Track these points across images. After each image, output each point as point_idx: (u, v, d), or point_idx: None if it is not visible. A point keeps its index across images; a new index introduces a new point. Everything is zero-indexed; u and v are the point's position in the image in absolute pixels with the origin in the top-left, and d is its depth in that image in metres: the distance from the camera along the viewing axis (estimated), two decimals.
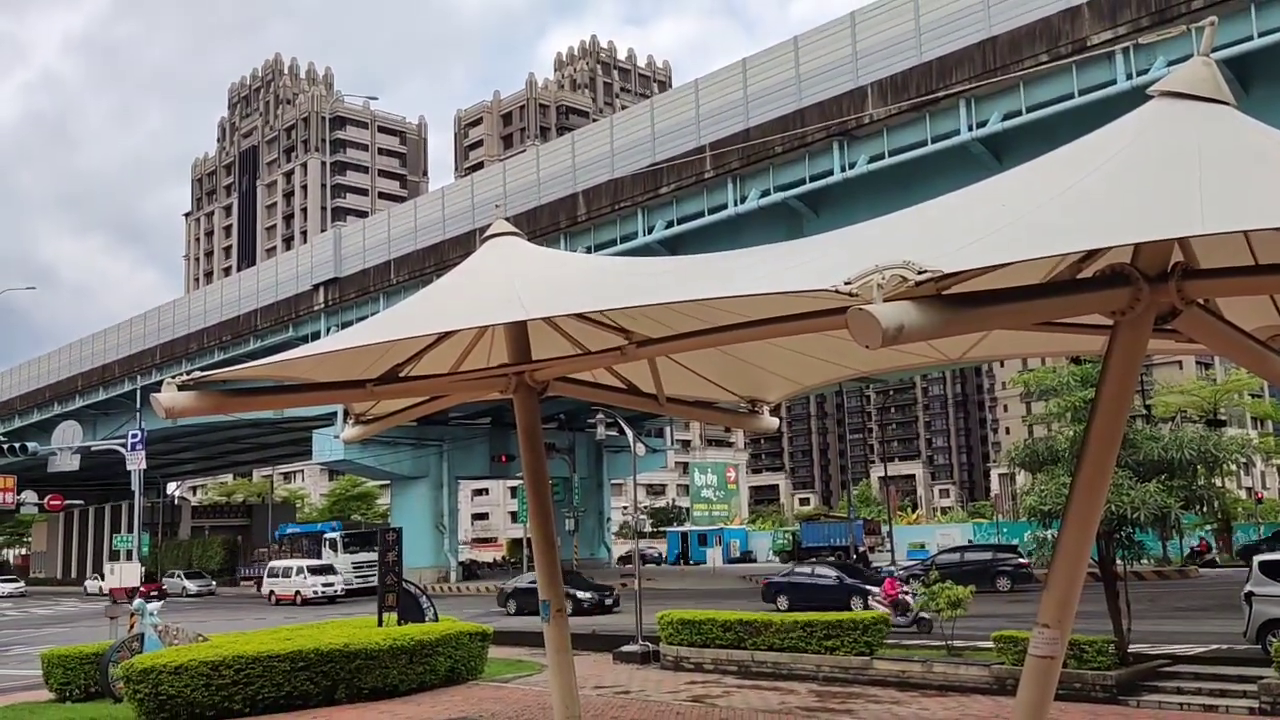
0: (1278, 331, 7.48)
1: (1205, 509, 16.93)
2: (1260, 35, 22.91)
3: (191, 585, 57.52)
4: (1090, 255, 6.23)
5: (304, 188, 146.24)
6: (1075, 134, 6.92)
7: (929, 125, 28.68)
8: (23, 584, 68.75)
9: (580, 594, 30.62)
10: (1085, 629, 12.98)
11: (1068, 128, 19.45)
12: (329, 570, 46.57)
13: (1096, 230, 5.28)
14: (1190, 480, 14.66)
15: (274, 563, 49.79)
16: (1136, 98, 6.82)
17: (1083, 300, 6.04)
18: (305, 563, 47.16)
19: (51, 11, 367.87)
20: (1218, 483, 17.42)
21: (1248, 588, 15.67)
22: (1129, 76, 24.50)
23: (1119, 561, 14.75)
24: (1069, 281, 6.24)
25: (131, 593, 22.64)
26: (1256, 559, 17.03)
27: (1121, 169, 5.76)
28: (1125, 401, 6.80)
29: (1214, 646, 15.87)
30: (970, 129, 27.72)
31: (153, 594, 50.44)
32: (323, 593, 43.91)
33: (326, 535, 52.74)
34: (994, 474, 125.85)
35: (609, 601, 31.48)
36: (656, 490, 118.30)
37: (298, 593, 44.26)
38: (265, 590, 46.69)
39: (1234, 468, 39.15)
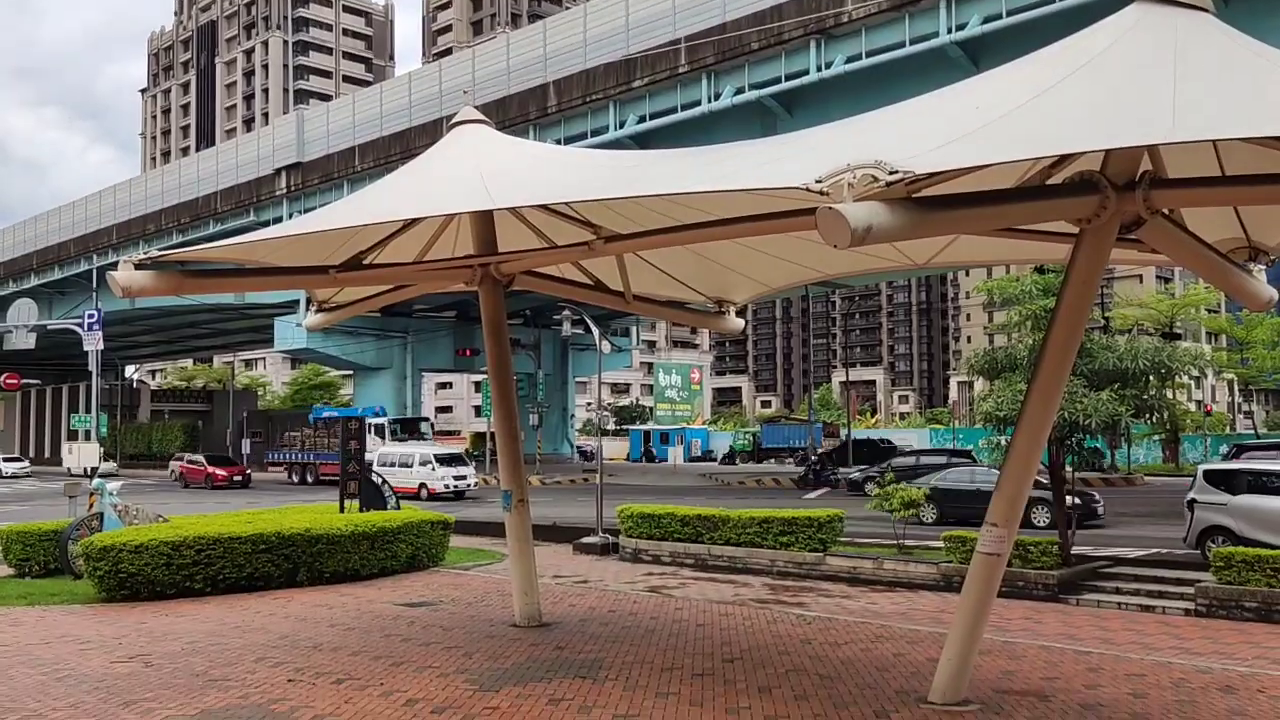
0: (1239, 245, 7.58)
1: (1155, 419, 17.36)
2: None
3: (220, 471, 51.51)
4: (1060, 161, 6.23)
5: (265, 67, 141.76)
6: (1054, 38, 6.85)
7: (908, 26, 28.23)
8: (28, 463, 62.29)
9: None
10: (1030, 531, 13.38)
11: (1047, 32, 19.16)
12: (460, 461, 38.58)
13: (1068, 136, 5.27)
14: (1142, 390, 14.99)
15: (387, 449, 40.44)
16: (1117, 3, 6.74)
17: (1051, 206, 6.08)
18: (432, 450, 38.77)
19: None
20: (1169, 394, 17.79)
21: (1190, 495, 16.17)
22: None
23: (1067, 467, 15.14)
24: (1037, 188, 6.25)
25: (92, 472, 22.63)
26: (1201, 468, 17.54)
27: (1095, 75, 5.72)
28: (1085, 310, 6.90)
29: (1154, 550, 16.45)
30: (949, 31, 27.33)
31: (236, 478, 45.29)
32: (454, 487, 35.91)
33: (372, 421, 45.25)
34: (953, 381, 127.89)
35: (1100, 510, 22.22)
36: (621, 389, 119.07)
37: (423, 486, 35.73)
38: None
39: (1186, 380, 40.36)
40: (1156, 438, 48.67)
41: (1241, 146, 5.91)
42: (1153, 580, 13.56)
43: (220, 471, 45.27)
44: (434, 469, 36.41)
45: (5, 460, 59.20)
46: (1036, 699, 8.23)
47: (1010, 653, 10.08)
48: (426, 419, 50.96)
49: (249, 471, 46.47)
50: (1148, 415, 16.26)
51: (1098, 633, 11.32)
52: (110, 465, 56.78)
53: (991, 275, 62.86)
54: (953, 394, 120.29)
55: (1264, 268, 8.02)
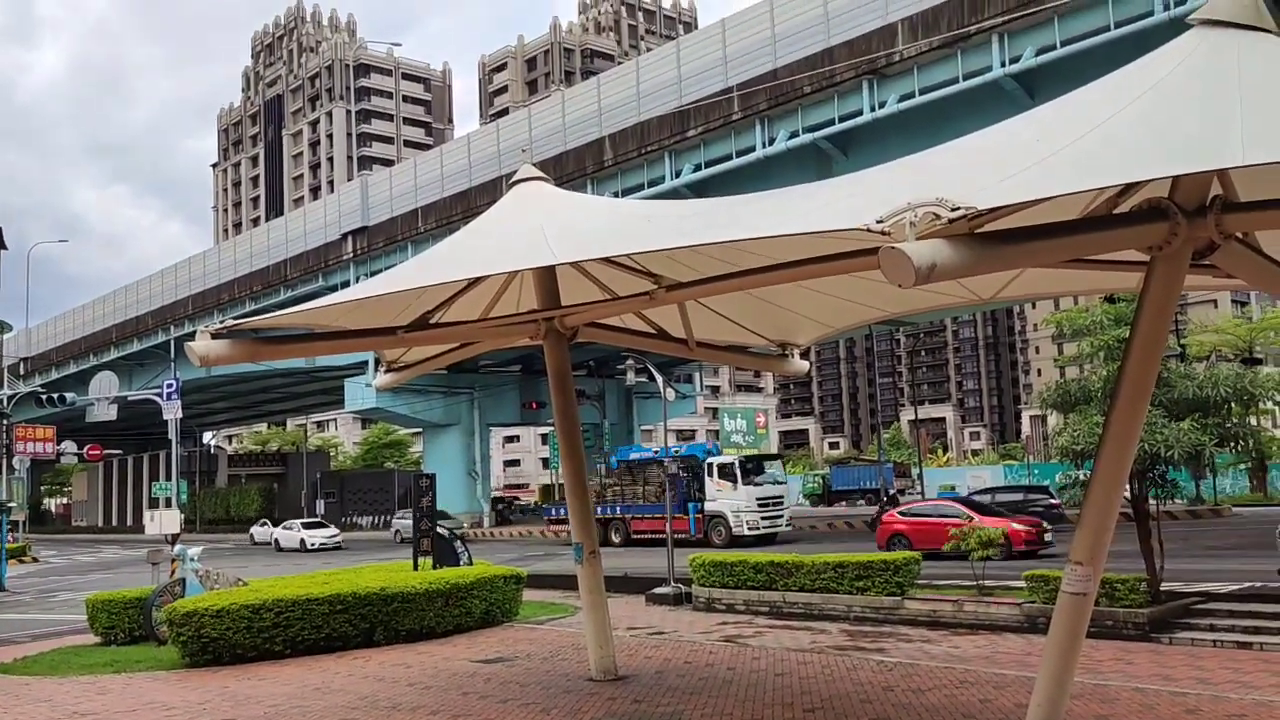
0: None
1: (1240, 447, 16.78)
2: None
3: (1022, 527, 39.29)
4: (1126, 190, 6.13)
5: (329, 137, 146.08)
6: (1111, 68, 6.78)
7: (960, 62, 28.16)
8: (339, 534, 49.00)
9: None
10: (1117, 568, 12.97)
11: (1104, 61, 19.01)
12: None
13: (1133, 164, 5.19)
14: (1224, 418, 14.52)
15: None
16: (1175, 29, 6.66)
17: (1119, 236, 5.97)
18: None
19: None
20: (1253, 421, 17.19)
21: None
22: (1167, 7, 23.88)
23: (1151, 500, 14.68)
24: (1104, 217, 6.15)
25: (173, 538, 23.16)
26: None
27: (1159, 101, 5.63)
28: (1161, 338, 6.73)
29: (1248, 584, 15.81)
30: (1003, 65, 27.21)
31: (1045, 536, 25.04)
32: None
33: (714, 461, 35.22)
34: (1025, 416, 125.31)
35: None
36: (686, 435, 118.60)
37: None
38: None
39: (1270, 406, 38.78)
40: (1243, 467, 47.05)
41: None
42: (1248, 615, 13.02)
43: (1021, 528, 24.64)
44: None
45: (306, 527, 48.42)
46: None
47: (1103, 695, 9.74)
48: (777, 455, 41.73)
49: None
50: (1232, 444, 15.72)
51: (1193, 672, 10.89)
52: (333, 533, 46.58)
53: (1059, 306, 61.72)
54: (1025, 428, 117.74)
55: None
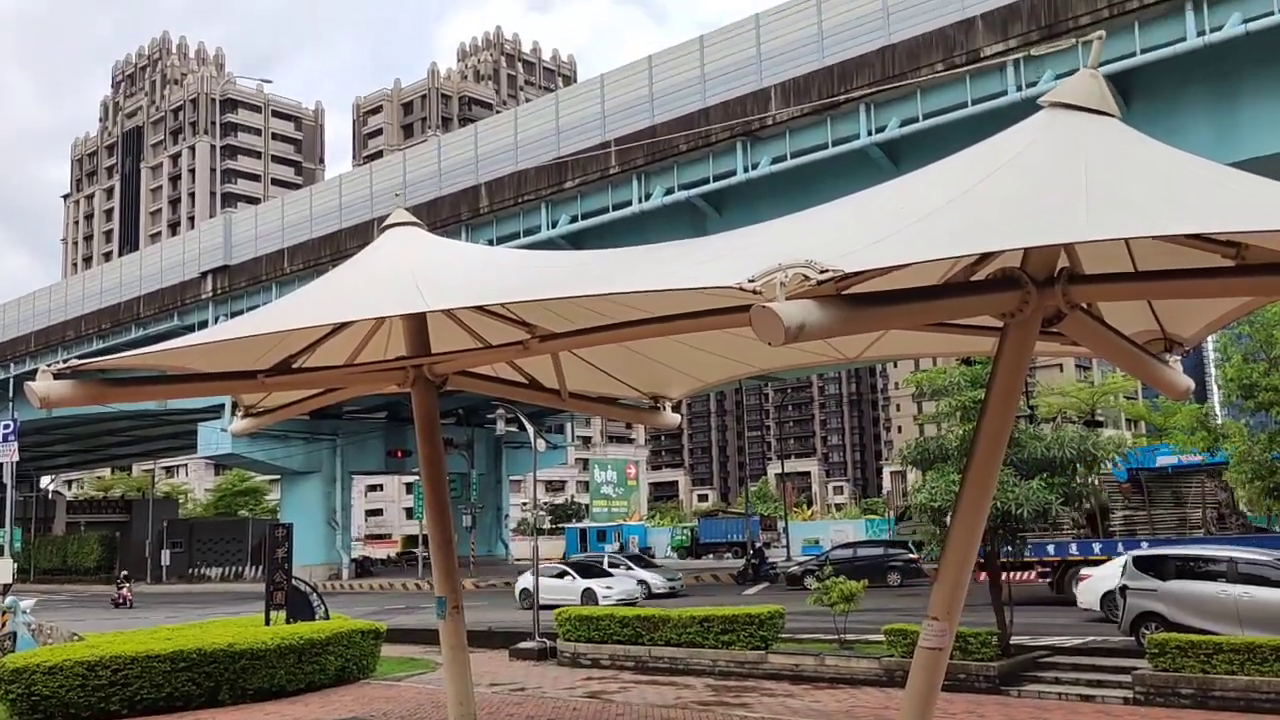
0: (1154, 336, 7.82)
1: (1083, 505, 17.65)
2: (1142, 52, 24.02)
3: (657, 580, 34.05)
4: (984, 258, 6.41)
5: (191, 171, 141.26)
6: (968, 141, 7.12)
7: (830, 128, 29.24)
8: (635, 586, 31.81)
9: None
10: (970, 622, 13.38)
11: (961, 135, 20.04)
12: None
13: (988, 234, 5.43)
14: (1070, 478, 15.27)
15: None
16: (1027, 108, 7.04)
17: (975, 302, 6.22)
18: None
19: None
20: (1094, 481, 18.10)
21: (1121, 582, 16.37)
22: (1019, 88, 25.38)
23: (1003, 556, 15.26)
24: (963, 284, 6.41)
25: (5, 589, 21.55)
26: (1129, 555, 17.80)
27: (1012, 176, 5.93)
28: (1013, 400, 7.02)
29: (1091, 638, 16.55)
30: (870, 133, 28.36)
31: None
32: None
33: None
34: (886, 471, 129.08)
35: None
36: (556, 486, 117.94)
37: None
38: None
39: (1110, 466, 40.67)
40: (1084, 527, 49.34)
41: (1151, 243, 6.16)
42: (1091, 669, 13.62)
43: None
44: None
45: (584, 574, 31.38)
46: None
47: None
48: None
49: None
50: (1076, 502, 16.54)
51: None
52: (631, 587, 30.50)
53: (919, 367, 64.15)
54: (886, 484, 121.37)
55: (1179, 358, 8.29)
